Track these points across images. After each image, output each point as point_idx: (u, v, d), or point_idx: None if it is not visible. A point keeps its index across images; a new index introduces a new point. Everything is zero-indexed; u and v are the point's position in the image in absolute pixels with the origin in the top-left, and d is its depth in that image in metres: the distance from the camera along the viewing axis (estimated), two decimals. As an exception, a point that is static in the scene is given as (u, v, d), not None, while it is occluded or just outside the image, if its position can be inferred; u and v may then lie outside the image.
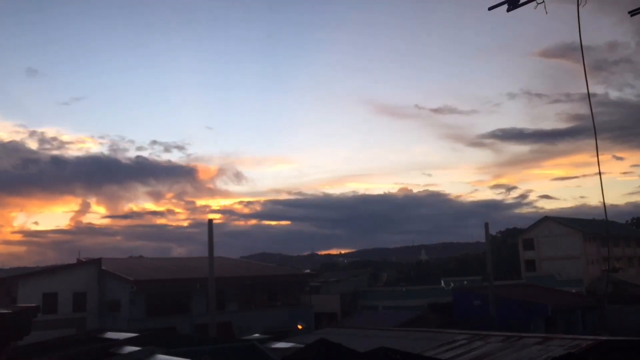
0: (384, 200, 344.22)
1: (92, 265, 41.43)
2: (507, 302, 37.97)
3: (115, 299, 38.62)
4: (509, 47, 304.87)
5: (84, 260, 43.96)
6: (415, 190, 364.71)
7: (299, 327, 39.07)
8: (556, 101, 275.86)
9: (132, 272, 39.41)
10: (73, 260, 47.20)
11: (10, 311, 7.25)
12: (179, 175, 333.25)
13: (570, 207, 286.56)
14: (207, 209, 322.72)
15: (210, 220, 29.64)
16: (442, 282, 61.17)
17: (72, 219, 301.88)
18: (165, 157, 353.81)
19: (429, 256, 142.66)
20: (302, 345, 14.37)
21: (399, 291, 53.86)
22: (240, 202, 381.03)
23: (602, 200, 7.98)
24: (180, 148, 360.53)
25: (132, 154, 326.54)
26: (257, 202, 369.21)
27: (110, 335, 12.14)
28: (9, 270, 63.49)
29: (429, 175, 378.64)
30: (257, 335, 24.66)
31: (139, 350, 9.02)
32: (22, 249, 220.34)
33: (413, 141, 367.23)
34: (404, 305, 47.11)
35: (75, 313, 38.82)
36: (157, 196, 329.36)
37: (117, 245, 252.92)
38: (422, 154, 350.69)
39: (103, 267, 40.99)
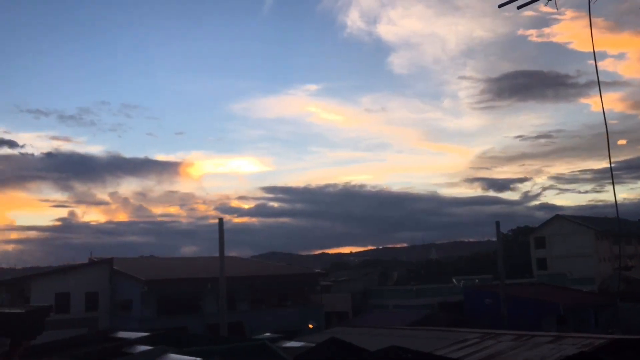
0: (395, 199, 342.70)
1: (104, 265, 41.73)
2: (519, 301, 37.79)
3: (126, 299, 38.86)
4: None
5: (96, 260, 44.24)
6: (419, 189, 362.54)
7: (310, 326, 39.05)
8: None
9: (144, 272, 39.59)
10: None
11: (24, 311, 7.32)
12: (170, 172, 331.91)
13: (583, 205, 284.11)
14: (206, 207, 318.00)
15: (221, 220, 29.54)
16: (454, 280, 60.98)
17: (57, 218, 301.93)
18: (144, 154, 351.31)
19: (439, 255, 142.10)
20: (313, 345, 14.37)
21: (409, 290, 53.73)
22: (239, 198, 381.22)
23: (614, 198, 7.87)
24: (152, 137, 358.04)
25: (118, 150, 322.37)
26: (253, 198, 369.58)
27: (122, 334, 12.20)
28: (20, 270, 64.15)
29: (434, 174, 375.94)
30: (268, 334, 24.71)
31: (151, 350, 9.07)
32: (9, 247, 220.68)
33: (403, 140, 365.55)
34: (414, 304, 46.98)
35: (88, 313, 39.14)
36: (147, 194, 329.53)
37: (105, 243, 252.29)
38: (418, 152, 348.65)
39: (115, 267, 41.23)
